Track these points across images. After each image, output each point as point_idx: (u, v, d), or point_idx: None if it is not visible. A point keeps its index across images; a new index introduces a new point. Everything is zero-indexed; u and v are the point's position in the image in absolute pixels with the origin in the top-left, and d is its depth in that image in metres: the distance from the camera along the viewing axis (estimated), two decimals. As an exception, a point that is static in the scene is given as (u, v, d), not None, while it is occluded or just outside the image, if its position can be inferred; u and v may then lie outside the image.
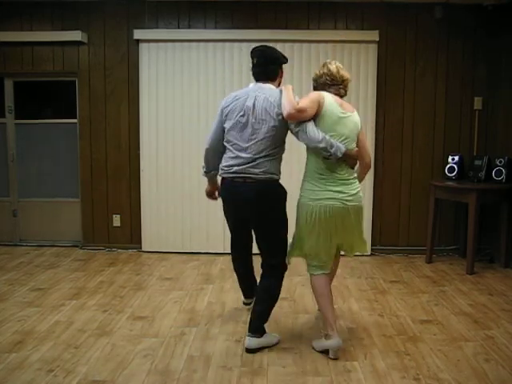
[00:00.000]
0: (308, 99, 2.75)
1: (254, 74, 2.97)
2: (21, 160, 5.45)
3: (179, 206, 5.21)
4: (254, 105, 2.82)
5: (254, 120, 2.82)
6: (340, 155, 2.73)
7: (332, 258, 2.99)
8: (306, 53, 5.01)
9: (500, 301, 3.79)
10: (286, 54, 4.84)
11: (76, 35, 5.01)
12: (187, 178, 5.16)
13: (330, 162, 2.78)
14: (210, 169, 3.11)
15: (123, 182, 5.26)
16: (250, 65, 3.02)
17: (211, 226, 5.16)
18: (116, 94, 5.16)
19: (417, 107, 5.09)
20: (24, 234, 5.51)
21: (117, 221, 5.29)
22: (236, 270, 3.37)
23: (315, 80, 3.01)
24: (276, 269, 2.98)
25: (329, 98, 2.82)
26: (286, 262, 3.02)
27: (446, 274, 4.54)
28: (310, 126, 2.74)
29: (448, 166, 4.91)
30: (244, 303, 3.50)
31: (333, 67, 2.93)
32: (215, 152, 3.02)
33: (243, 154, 2.84)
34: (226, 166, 2.92)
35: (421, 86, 5.07)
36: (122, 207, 5.29)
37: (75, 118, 5.30)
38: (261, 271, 3.02)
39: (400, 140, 5.11)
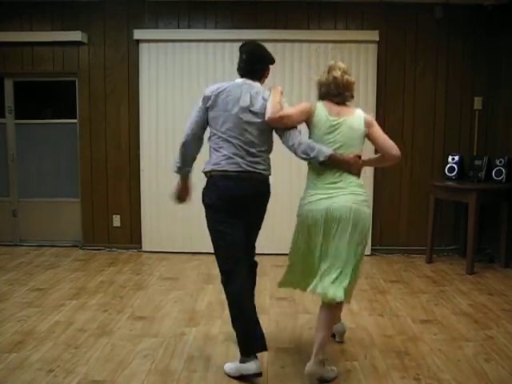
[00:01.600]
0: (295, 108, 2.71)
1: (240, 70, 2.82)
2: (21, 160, 5.45)
3: (179, 205, 5.19)
4: (250, 101, 2.70)
5: (250, 116, 2.69)
6: (322, 159, 2.58)
7: (308, 275, 2.71)
8: (306, 53, 5.01)
9: (500, 301, 3.79)
10: (285, 54, 4.99)
11: (76, 35, 5.02)
12: (187, 177, 5.15)
13: (319, 166, 2.65)
14: (186, 165, 2.88)
15: (123, 182, 5.26)
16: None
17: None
18: (116, 94, 5.16)
19: (417, 107, 5.09)
20: (24, 234, 5.51)
21: (117, 221, 5.29)
22: (235, 293, 2.68)
23: (319, 87, 2.83)
24: (256, 264, 2.97)
25: (321, 108, 2.72)
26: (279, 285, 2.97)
27: (446, 273, 4.54)
28: (293, 133, 2.68)
29: (448, 165, 4.91)
30: (254, 374, 2.55)
31: (338, 74, 2.73)
32: (195, 145, 2.82)
33: (249, 148, 2.69)
34: (229, 161, 2.68)
35: (421, 86, 5.07)
36: (122, 207, 5.29)
37: (75, 118, 5.30)
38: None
39: (400, 140, 5.08)
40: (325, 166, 2.65)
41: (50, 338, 3.05)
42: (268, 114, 2.66)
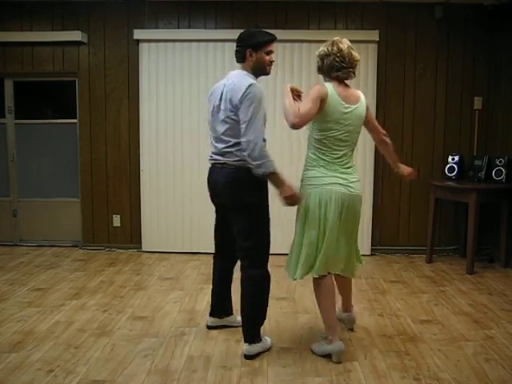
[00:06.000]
0: (309, 100, 2.60)
1: None
2: (21, 160, 5.45)
3: (179, 205, 5.21)
4: (221, 94, 2.80)
5: (222, 110, 2.75)
6: (264, 173, 2.61)
7: (339, 256, 2.77)
8: (306, 53, 5.01)
9: (500, 301, 3.79)
10: (285, 54, 5.00)
11: (76, 35, 5.01)
12: (187, 177, 5.16)
13: (333, 148, 2.70)
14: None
15: (123, 182, 5.26)
16: None
17: (211, 226, 5.13)
18: (116, 94, 5.16)
19: (417, 107, 5.09)
20: (24, 234, 5.51)
21: (117, 221, 5.29)
22: (213, 272, 3.16)
23: (321, 58, 2.73)
24: (253, 255, 2.76)
25: (332, 93, 2.65)
26: (294, 277, 2.81)
27: (446, 273, 4.54)
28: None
29: (448, 165, 4.91)
30: (208, 326, 3.20)
31: (344, 47, 2.68)
32: None
33: (217, 144, 2.80)
34: (210, 155, 2.92)
35: (421, 86, 5.07)
36: (122, 207, 5.29)
37: (75, 118, 5.30)
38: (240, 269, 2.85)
39: (400, 140, 5.11)
40: (338, 149, 2.72)
41: (50, 337, 3.05)
42: (289, 121, 2.57)
